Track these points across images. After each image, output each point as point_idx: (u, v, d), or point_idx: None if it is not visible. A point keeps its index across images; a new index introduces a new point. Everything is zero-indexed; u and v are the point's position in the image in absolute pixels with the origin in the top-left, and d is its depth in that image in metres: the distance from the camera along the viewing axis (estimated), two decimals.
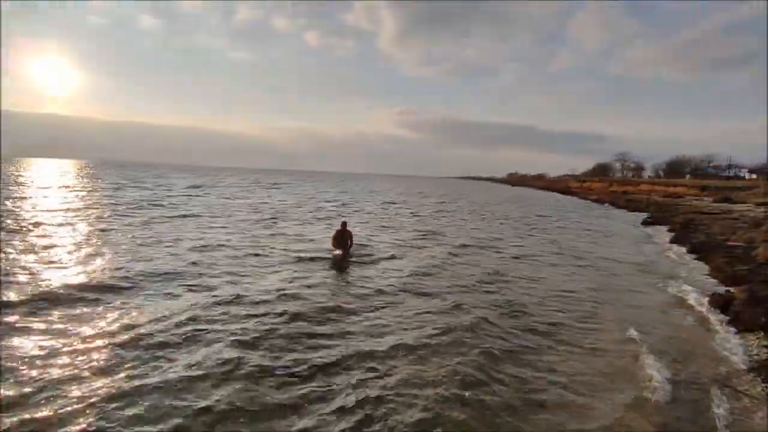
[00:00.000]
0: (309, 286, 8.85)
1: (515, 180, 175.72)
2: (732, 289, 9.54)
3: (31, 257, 9.92)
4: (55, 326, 6.07)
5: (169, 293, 7.88)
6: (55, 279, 8.25)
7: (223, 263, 10.57)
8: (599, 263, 13.74)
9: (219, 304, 7.33)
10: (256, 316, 6.90)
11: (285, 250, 12.58)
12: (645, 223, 27.30)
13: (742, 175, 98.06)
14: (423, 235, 17.88)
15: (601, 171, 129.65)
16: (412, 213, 28.21)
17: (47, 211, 18.44)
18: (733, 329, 7.57)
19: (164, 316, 6.59)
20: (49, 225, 14.74)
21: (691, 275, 12.22)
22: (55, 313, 6.54)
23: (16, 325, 6.02)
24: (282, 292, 8.25)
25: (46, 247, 11.05)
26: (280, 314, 6.96)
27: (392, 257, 12.58)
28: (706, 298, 9.25)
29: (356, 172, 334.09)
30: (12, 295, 7.09)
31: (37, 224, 14.62)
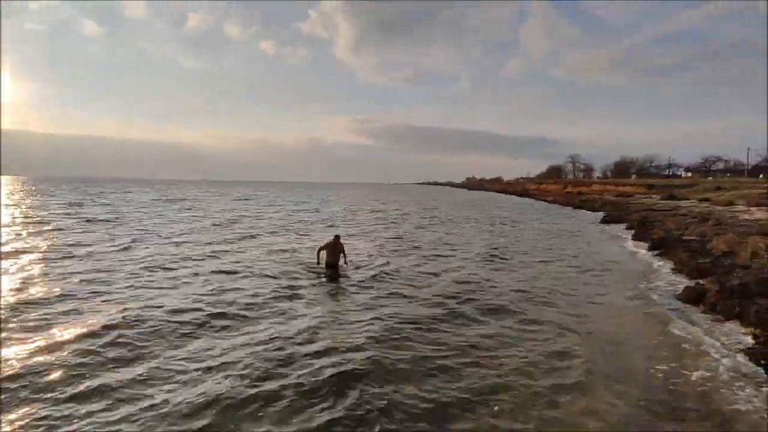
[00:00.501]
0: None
1: (473, 184, 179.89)
2: (702, 282, 10.06)
3: None
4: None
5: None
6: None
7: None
8: (572, 261, 14.21)
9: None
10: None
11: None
12: (604, 221, 28.59)
13: (679, 173, 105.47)
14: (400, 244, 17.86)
15: (555, 173, 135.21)
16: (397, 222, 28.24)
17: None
18: (708, 317, 8.00)
19: None
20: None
21: (657, 270, 12.85)
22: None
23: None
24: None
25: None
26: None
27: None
28: (677, 291, 9.76)
29: (316, 181, 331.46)
30: None
31: None
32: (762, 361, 5.93)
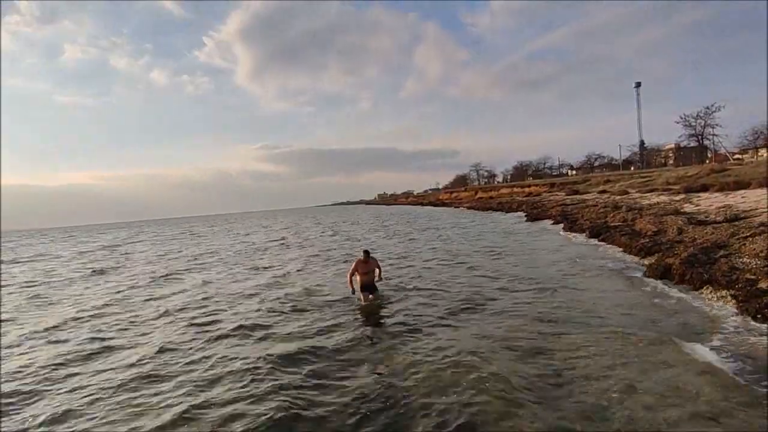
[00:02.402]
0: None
1: (386, 200, 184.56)
2: (669, 261, 11.27)
3: None
4: None
5: None
6: None
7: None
8: (541, 254, 15.13)
9: None
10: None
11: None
12: (528, 219, 30.90)
13: (564, 172, 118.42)
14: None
15: (461, 181, 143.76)
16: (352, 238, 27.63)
17: None
18: (682, 287, 9.06)
19: None
20: None
21: (609, 253, 14.22)
22: None
23: None
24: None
25: None
26: None
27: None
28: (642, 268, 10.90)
29: (222, 213, 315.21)
30: None
31: None
32: (759, 315, 6.84)
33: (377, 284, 9.99)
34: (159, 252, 29.28)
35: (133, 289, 14.40)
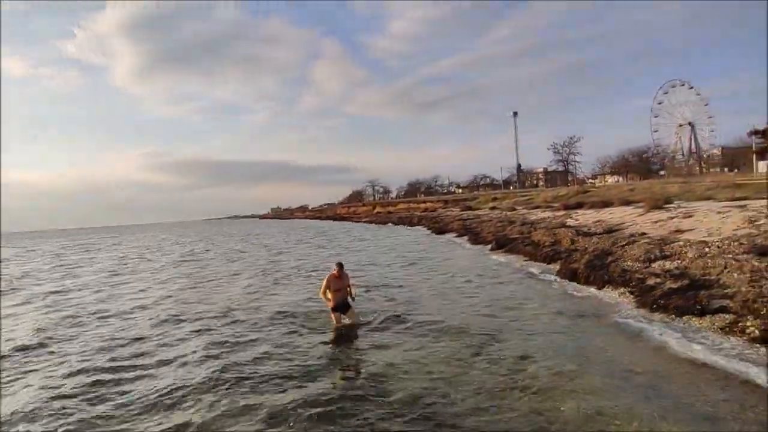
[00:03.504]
0: None
1: (280, 214, 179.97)
2: (575, 265, 13.07)
3: None
4: None
5: None
6: None
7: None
8: (460, 264, 16.36)
9: None
10: None
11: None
12: (434, 233, 32.96)
13: (452, 190, 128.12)
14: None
15: (357, 196, 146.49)
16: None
17: None
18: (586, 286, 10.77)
19: None
20: None
21: (517, 261, 16.02)
22: None
23: None
24: None
25: None
26: None
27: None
28: (553, 272, 12.62)
29: (98, 226, 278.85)
30: None
31: None
32: (654, 305, 8.51)
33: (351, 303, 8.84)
34: None
35: None
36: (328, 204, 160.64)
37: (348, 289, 8.77)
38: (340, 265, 8.58)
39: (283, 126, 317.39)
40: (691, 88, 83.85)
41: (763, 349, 6.16)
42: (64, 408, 5.48)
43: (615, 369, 5.88)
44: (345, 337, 8.14)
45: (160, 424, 4.97)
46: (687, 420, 4.44)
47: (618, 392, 5.16)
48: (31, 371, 7.01)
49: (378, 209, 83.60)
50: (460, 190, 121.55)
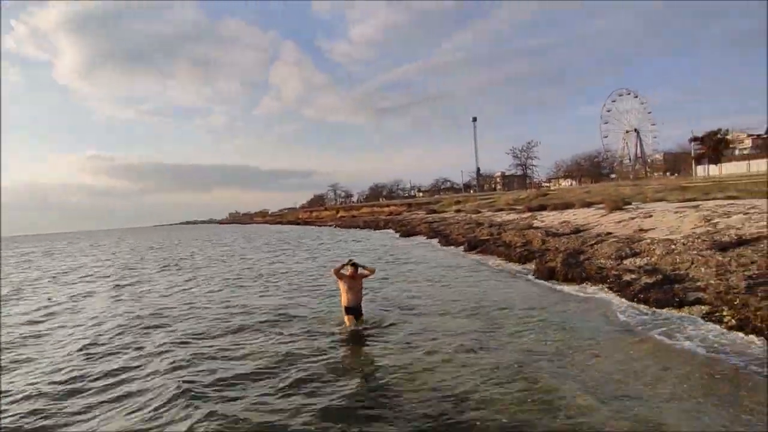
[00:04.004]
0: None
1: (239, 219, 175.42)
2: (552, 264, 13.50)
3: None
4: None
5: None
6: None
7: None
8: (440, 263, 16.51)
9: None
10: None
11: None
12: (402, 236, 33.15)
13: (414, 194, 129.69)
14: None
15: (319, 201, 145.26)
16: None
17: None
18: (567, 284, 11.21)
19: None
20: None
21: (493, 261, 16.39)
22: None
23: None
24: None
25: None
26: None
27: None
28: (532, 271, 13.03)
29: (42, 233, 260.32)
30: None
31: None
32: (635, 299, 8.97)
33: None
34: None
35: None
36: (289, 209, 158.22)
37: (361, 292, 8.47)
38: (355, 266, 8.26)
39: (241, 129, 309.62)
40: (636, 97, 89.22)
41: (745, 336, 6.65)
42: None
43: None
44: (358, 339, 7.85)
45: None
46: None
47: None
48: None
49: (342, 213, 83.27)
50: (422, 194, 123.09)
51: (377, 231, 43.81)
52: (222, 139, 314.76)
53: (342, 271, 8.23)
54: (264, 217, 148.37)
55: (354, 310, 8.24)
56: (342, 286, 8.22)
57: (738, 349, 6.20)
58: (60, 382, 6.53)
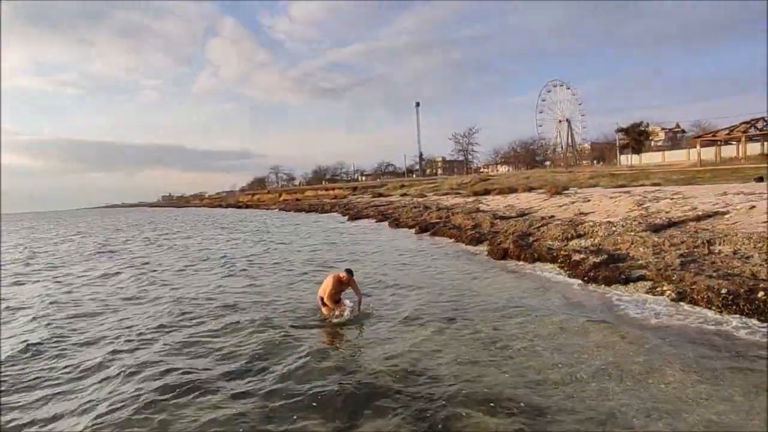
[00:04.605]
0: None
1: (173, 202, 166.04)
2: (505, 245, 14.03)
3: None
4: None
5: None
6: None
7: None
8: (396, 245, 16.60)
9: None
10: None
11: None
12: (350, 219, 32.98)
13: (356, 177, 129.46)
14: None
15: (259, 184, 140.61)
16: None
17: None
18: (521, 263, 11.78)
19: None
20: None
21: (445, 243, 16.81)
22: None
23: None
24: None
25: None
26: None
27: None
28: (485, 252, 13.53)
29: None
30: None
31: None
32: (586, 278, 9.60)
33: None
34: None
35: None
36: (228, 191, 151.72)
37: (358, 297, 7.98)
38: (350, 273, 7.78)
39: (174, 107, 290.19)
40: (569, 88, 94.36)
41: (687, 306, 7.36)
42: None
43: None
44: (337, 329, 7.39)
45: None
46: None
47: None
48: None
49: (285, 196, 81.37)
50: (365, 178, 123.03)
51: (323, 214, 43.28)
52: (153, 116, 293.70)
53: (333, 281, 7.69)
54: (201, 200, 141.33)
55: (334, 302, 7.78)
56: (329, 285, 7.69)
57: (679, 317, 6.87)
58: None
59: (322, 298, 7.83)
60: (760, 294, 6.87)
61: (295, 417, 4.53)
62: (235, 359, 6.12)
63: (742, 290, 7.09)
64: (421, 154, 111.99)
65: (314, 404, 4.75)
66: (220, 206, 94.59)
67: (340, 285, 7.77)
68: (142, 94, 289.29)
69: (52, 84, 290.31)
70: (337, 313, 7.71)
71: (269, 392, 5.07)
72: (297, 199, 71.42)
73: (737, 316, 6.73)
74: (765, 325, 6.35)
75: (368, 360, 5.94)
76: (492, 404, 4.58)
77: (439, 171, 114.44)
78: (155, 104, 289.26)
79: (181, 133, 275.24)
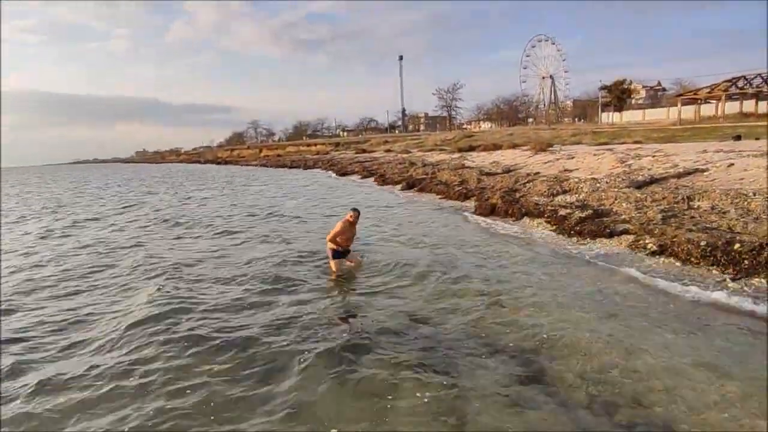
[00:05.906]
0: None
1: (149, 158, 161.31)
2: (493, 201, 14.25)
3: None
4: None
5: None
6: None
7: None
8: (384, 203, 16.71)
9: None
10: None
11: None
12: (338, 175, 32.78)
13: (338, 133, 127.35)
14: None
15: (238, 139, 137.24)
16: None
17: None
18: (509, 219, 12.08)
19: None
20: None
21: (432, 199, 16.99)
22: None
23: None
24: None
25: None
26: None
27: None
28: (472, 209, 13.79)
29: None
30: None
31: None
32: (572, 232, 9.95)
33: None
34: None
35: None
36: (205, 147, 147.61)
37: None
38: (357, 212, 7.88)
39: (147, 58, 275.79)
40: (554, 43, 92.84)
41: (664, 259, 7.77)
42: None
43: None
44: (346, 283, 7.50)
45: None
46: None
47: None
48: None
49: (265, 152, 79.86)
50: (346, 134, 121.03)
51: (306, 170, 42.87)
52: (125, 67, 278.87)
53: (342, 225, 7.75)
54: (178, 156, 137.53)
55: (343, 253, 7.92)
56: (339, 229, 7.71)
57: (663, 270, 7.29)
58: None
59: (335, 249, 7.77)
60: (736, 246, 7.28)
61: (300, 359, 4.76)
62: (240, 303, 6.30)
63: (719, 243, 7.50)
64: (404, 110, 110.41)
65: (318, 349, 4.98)
66: (198, 162, 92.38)
67: (351, 228, 7.82)
68: (109, 43, 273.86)
69: (12, 30, 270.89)
70: (347, 264, 7.96)
71: (270, 340, 5.28)
72: (278, 155, 70.22)
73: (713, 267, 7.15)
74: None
75: (370, 309, 6.19)
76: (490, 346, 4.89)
77: (422, 127, 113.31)
78: (126, 54, 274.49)
79: (155, 85, 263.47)
